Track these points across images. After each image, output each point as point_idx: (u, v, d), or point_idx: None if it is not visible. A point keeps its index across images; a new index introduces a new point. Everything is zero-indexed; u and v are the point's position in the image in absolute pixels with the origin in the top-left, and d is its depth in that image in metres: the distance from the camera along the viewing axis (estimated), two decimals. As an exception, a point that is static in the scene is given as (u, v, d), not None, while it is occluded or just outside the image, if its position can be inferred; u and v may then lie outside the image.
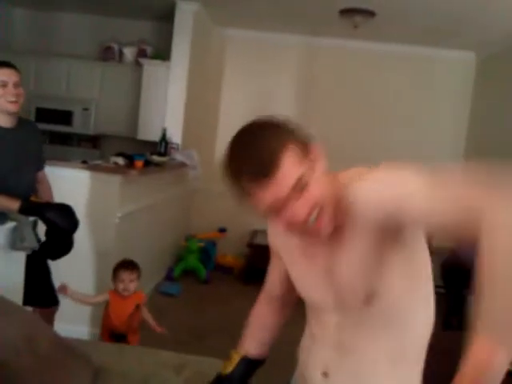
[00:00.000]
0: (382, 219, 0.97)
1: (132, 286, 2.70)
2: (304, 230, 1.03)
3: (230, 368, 1.32)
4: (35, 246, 2.18)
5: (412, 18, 4.52)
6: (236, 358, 1.33)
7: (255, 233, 5.37)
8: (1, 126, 2.30)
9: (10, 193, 2.24)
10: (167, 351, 2.42)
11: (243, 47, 5.62)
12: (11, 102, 2.26)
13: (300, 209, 0.98)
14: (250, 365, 1.34)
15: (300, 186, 0.97)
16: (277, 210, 1.00)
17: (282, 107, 5.56)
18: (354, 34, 5.00)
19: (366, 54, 5.52)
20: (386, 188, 0.96)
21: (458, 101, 5.58)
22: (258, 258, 4.74)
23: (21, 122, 2.42)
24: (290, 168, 0.96)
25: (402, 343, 1.11)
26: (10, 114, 2.30)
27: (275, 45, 5.56)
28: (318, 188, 0.99)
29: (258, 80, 5.61)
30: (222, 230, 5.47)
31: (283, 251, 1.25)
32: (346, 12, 4.47)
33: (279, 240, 1.25)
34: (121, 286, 2.69)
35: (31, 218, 2.22)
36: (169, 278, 4.83)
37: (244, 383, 1.33)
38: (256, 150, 0.97)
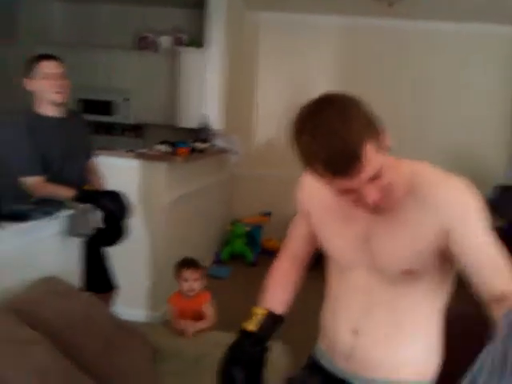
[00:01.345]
0: (450, 229, 1.07)
1: (197, 285, 2.58)
2: (361, 203, 1.07)
3: (253, 324, 1.29)
4: (90, 232, 2.24)
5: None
6: (260, 315, 1.31)
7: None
8: (47, 115, 2.37)
9: (63, 181, 2.32)
10: (219, 332, 2.47)
11: (277, 30, 5.56)
12: (57, 93, 2.32)
13: (371, 194, 1.03)
14: (274, 321, 1.32)
15: (375, 177, 1.01)
16: (348, 191, 1.05)
17: (319, 89, 5.43)
18: (389, 13, 4.86)
19: (403, 33, 5.37)
20: (474, 214, 1.07)
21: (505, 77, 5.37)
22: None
23: (68, 113, 2.49)
24: (368, 164, 0.98)
25: (429, 307, 1.21)
26: (57, 104, 2.37)
27: (309, 26, 5.47)
28: (388, 175, 1.04)
29: (293, 63, 5.56)
30: (267, 214, 5.48)
31: (315, 211, 1.29)
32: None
33: (313, 200, 1.29)
34: (185, 286, 2.57)
35: (86, 206, 2.28)
36: (217, 261, 4.90)
37: (267, 341, 1.30)
38: (337, 142, 0.96)
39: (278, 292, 1.38)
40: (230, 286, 4.29)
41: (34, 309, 1.73)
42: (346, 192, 1.05)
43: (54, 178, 2.31)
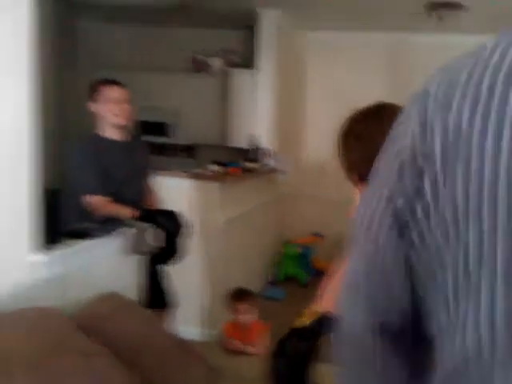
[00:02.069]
0: None
1: (250, 317, 2.56)
2: None
3: (303, 321, 1.31)
4: (151, 250, 2.31)
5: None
6: (311, 314, 1.32)
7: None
8: (110, 138, 2.48)
9: (122, 201, 2.40)
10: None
11: (326, 49, 5.59)
12: (117, 116, 2.42)
13: None
14: (325, 321, 1.30)
15: None
16: None
17: (371, 106, 5.47)
18: (438, 27, 4.80)
19: (454, 47, 5.27)
20: None
21: None
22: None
23: (130, 136, 2.61)
24: None
25: None
26: (118, 127, 2.48)
27: (358, 44, 5.47)
28: None
29: (342, 81, 5.55)
30: (318, 235, 5.44)
31: None
32: (432, 6, 4.34)
33: None
34: (241, 319, 2.57)
35: (145, 225, 2.35)
36: (271, 282, 4.90)
37: (317, 339, 1.30)
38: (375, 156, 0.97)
39: (336, 294, 1.38)
40: (285, 308, 4.27)
41: (96, 323, 1.80)
42: None
43: (115, 197, 2.40)
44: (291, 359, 1.28)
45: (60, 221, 1.93)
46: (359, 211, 0.55)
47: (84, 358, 1.48)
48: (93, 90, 2.47)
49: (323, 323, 1.31)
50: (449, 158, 0.41)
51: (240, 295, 2.61)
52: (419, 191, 0.43)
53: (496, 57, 0.42)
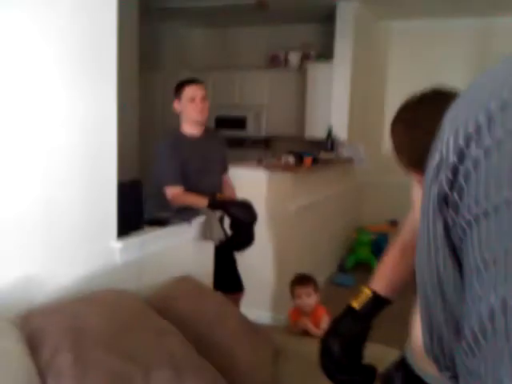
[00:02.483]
0: None
1: (311, 301, 2.64)
2: None
3: (358, 302, 1.33)
4: (222, 237, 2.47)
5: None
6: (366, 294, 1.33)
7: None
8: (189, 134, 2.68)
9: (199, 192, 2.58)
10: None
11: (409, 38, 5.48)
12: (199, 113, 2.62)
13: None
14: (379, 302, 1.33)
15: None
16: None
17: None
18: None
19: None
20: None
21: None
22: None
23: (208, 131, 2.79)
24: None
25: None
26: (197, 123, 2.66)
27: (443, 31, 5.31)
28: None
29: (425, 69, 5.41)
30: (393, 223, 5.40)
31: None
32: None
33: None
34: (299, 302, 2.66)
35: (218, 213, 2.52)
36: (341, 269, 4.95)
37: (370, 320, 1.33)
38: (428, 145, 1.00)
39: (387, 275, 1.39)
40: (354, 295, 4.30)
41: (170, 304, 1.97)
42: None
43: (192, 189, 2.59)
44: (344, 339, 1.30)
45: (143, 210, 2.13)
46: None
47: (157, 335, 1.63)
48: (176, 90, 2.68)
49: (373, 304, 1.34)
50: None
51: (300, 280, 2.70)
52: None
53: None
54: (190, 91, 2.63)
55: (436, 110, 0.98)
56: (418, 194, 1.23)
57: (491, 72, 0.46)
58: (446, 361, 0.55)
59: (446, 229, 0.46)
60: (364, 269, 4.97)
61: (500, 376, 0.37)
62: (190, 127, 2.70)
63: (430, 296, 0.52)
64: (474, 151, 0.41)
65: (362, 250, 4.99)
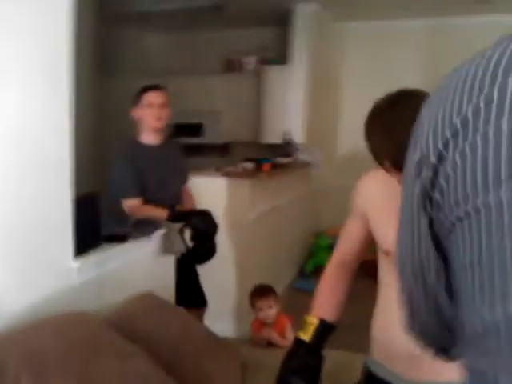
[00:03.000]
0: None
1: (272, 312, 2.59)
2: None
3: (307, 333, 1.30)
4: (183, 250, 2.40)
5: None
6: (313, 324, 1.31)
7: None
8: (147, 143, 2.59)
9: (158, 204, 2.50)
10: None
11: (363, 39, 5.54)
12: (156, 120, 2.53)
13: None
14: (327, 329, 1.32)
15: None
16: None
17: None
18: (484, 9, 4.67)
19: (498, 29, 5.11)
20: None
21: None
22: (389, 253, 4.67)
23: (166, 140, 2.70)
24: None
25: None
26: (156, 131, 2.58)
27: (398, 32, 5.38)
28: None
29: (380, 70, 5.48)
30: (351, 226, 5.46)
31: (372, 210, 1.31)
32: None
33: (370, 201, 1.33)
34: (261, 315, 2.61)
35: (178, 225, 2.44)
36: (301, 274, 4.95)
37: (322, 348, 1.31)
38: (405, 145, 1.00)
39: (329, 299, 1.39)
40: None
41: (132, 322, 1.89)
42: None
43: (152, 200, 2.50)
44: (304, 375, 1.27)
45: (100, 226, 2.03)
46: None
47: (121, 359, 1.56)
48: (135, 97, 2.59)
49: (322, 332, 1.32)
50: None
51: (260, 293, 2.66)
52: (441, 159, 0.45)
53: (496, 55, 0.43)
54: (148, 97, 2.55)
55: (411, 109, 0.98)
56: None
57: (460, 72, 0.47)
58: (427, 338, 0.62)
59: (430, 224, 0.49)
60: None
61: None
62: (149, 136, 2.60)
63: (411, 282, 0.56)
64: (451, 155, 0.44)
65: (321, 255, 5.01)
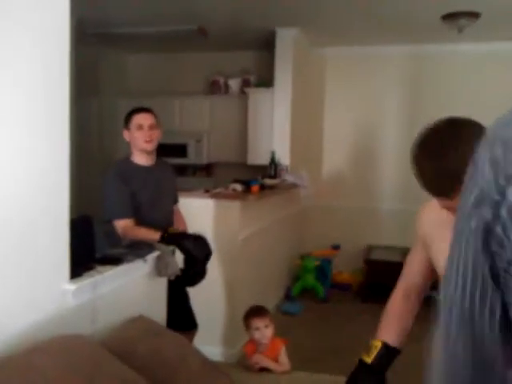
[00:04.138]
0: None
1: (269, 332, 2.55)
2: None
3: (371, 356, 1.36)
4: (177, 272, 2.36)
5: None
6: (377, 347, 1.36)
7: (370, 248, 5.32)
8: (139, 164, 2.58)
9: (150, 224, 2.47)
10: (301, 371, 2.49)
11: (344, 64, 5.66)
12: (146, 142, 2.53)
13: None
14: (390, 353, 1.37)
15: None
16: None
17: (389, 119, 5.51)
18: (458, 38, 4.84)
19: (473, 56, 5.30)
20: None
21: None
22: (376, 274, 4.68)
23: (157, 161, 2.69)
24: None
25: None
26: (146, 152, 2.57)
27: (376, 58, 5.53)
28: None
29: (361, 94, 5.61)
30: (336, 247, 5.48)
31: (431, 233, 1.31)
32: (449, 16, 4.36)
33: (429, 224, 1.32)
34: (257, 335, 2.55)
35: (171, 248, 2.41)
36: (288, 297, 4.92)
37: (383, 373, 1.36)
38: (438, 168, 1.02)
39: (394, 325, 1.42)
40: (302, 323, 4.29)
41: (128, 346, 1.85)
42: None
43: (143, 221, 2.48)
44: None
45: (94, 248, 2.00)
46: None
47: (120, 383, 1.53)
48: (126, 119, 2.60)
49: (385, 355, 1.36)
50: None
51: (257, 312, 2.62)
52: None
53: None
54: (137, 119, 2.56)
55: (457, 137, 1.01)
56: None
57: None
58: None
59: (492, 261, 0.46)
60: (310, 296, 4.99)
61: None
62: (140, 157, 2.61)
63: (455, 332, 0.50)
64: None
65: (308, 277, 4.99)
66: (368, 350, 1.37)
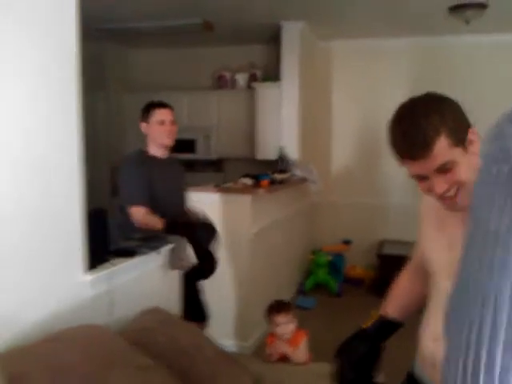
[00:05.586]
0: None
1: (290, 328, 2.52)
2: (441, 198, 1.14)
3: (368, 324, 1.42)
4: (190, 265, 2.37)
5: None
6: (374, 316, 1.42)
7: (383, 243, 5.30)
8: (154, 155, 2.63)
9: (163, 213, 2.49)
10: (316, 362, 2.49)
11: (350, 57, 5.63)
12: (168, 138, 2.56)
13: (439, 185, 1.10)
14: (387, 325, 1.42)
15: (444, 169, 1.08)
16: (420, 178, 1.13)
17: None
18: (466, 29, 4.81)
19: (480, 48, 5.26)
20: None
21: None
22: (388, 269, 4.63)
23: (170, 155, 2.76)
24: (437, 154, 1.06)
25: None
26: (164, 147, 2.62)
27: (383, 50, 5.50)
28: (463, 170, 1.08)
29: (368, 87, 5.58)
30: (347, 242, 5.46)
31: (424, 220, 1.33)
32: (457, 8, 4.33)
33: (427, 206, 1.33)
34: (279, 331, 2.52)
35: (182, 240, 2.42)
36: (301, 291, 4.92)
37: (379, 341, 1.40)
38: (412, 131, 1.07)
39: (395, 298, 1.46)
40: (315, 317, 4.28)
41: (145, 336, 1.86)
42: (418, 179, 1.13)
43: (160, 209, 2.50)
44: (352, 357, 1.37)
45: (109, 241, 2.02)
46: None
47: (140, 371, 1.53)
48: (145, 111, 2.62)
49: (381, 326, 1.41)
50: None
51: (280, 308, 2.58)
52: None
53: None
54: (159, 115, 2.61)
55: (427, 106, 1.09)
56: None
57: None
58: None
59: None
60: (323, 290, 4.98)
61: None
62: (157, 149, 2.67)
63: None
64: None
65: (320, 272, 4.99)
66: (367, 319, 1.44)
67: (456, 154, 1.07)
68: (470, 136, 1.09)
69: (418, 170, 1.10)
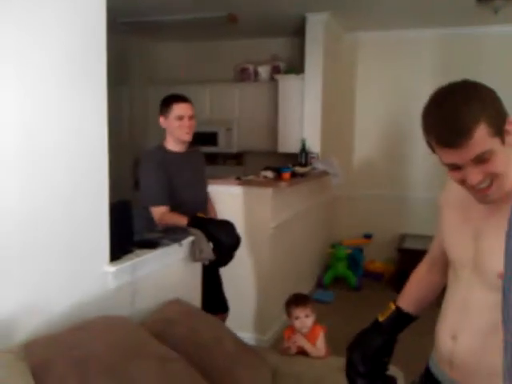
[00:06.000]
0: None
1: (309, 322, 2.52)
2: (473, 190, 1.10)
3: (383, 316, 1.41)
4: (212, 256, 2.39)
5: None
6: (391, 309, 1.42)
7: (403, 237, 5.26)
8: (174, 150, 2.64)
9: (183, 207, 2.51)
10: (334, 356, 2.49)
11: (375, 49, 5.55)
12: (187, 133, 2.56)
13: (473, 175, 1.06)
14: (402, 317, 1.41)
15: (481, 159, 1.04)
16: (454, 168, 1.09)
17: (422, 105, 5.40)
18: (494, 19, 4.71)
19: (509, 38, 5.14)
20: None
21: None
22: (408, 263, 4.59)
23: (190, 148, 2.74)
24: (476, 143, 1.02)
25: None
26: (184, 142, 2.61)
27: (409, 41, 5.40)
28: (500, 161, 1.05)
29: (393, 80, 5.50)
30: (368, 236, 5.43)
31: (445, 208, 1.31)
32: (483, -2, 4.25)
33: (446, 199, 1.31)
34: (298, 324, 2.52)
35: (202, 234, 2.43)
36: (319, 285, 4.92)
37: (394, 333, 1.40)
38: (451, 117, 1.04)
39: (412, 291, 1.45)
40: (334, 311, 4.28)
41: (166, 327, 1.89)
42: (453, 169, 1.09)
43: (180, 203, 2.51)
44: (365, 350, 1.37)
45: (133, 232, 2.04)
46: None
47: (160, 362, 1.56)
48: (163, 105, 2.60)
49: (396, 318, 1.40)
50: None
51: (298, 301, 2.59)
52: None
53: None
54: (178, 110, 2.56)
55: (467, 95, 1.06)
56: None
57: None
58: None
59: None
60: (342, 284, 4.98)
61: None
62: (175, 144, 2.65)
63: None
64: None
65: (339, 266, 4.98)
66: (384, 310, 1.43)
67: (494, 143, 1.04)
68: (508, 126, 1.06)
69: (454, 158, 1.06)
